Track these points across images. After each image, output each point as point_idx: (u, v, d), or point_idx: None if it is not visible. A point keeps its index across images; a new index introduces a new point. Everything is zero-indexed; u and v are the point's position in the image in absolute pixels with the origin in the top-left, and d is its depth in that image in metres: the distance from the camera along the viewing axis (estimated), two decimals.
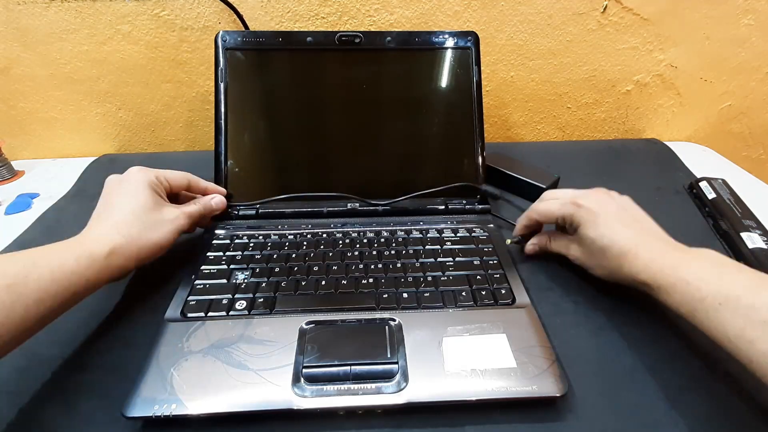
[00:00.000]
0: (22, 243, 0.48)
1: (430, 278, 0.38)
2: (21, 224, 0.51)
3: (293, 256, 0.41)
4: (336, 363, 0.31)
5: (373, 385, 0.30)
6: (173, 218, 0.38)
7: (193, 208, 0.41)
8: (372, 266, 0.40)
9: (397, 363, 0.31)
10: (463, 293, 0.37)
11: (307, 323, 0.34)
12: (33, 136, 0.65)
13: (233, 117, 0.48)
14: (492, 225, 0.46)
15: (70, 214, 0.54)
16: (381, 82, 0.50)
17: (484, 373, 0.31)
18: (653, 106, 0.68)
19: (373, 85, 0.49)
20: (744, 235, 0.46)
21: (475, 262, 0.40)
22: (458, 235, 0.44)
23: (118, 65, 0.60)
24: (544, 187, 0.53)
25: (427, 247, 0.42)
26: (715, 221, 0.50)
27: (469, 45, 0.49)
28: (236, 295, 0.37)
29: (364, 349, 0.32)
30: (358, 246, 0.42)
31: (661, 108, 0.68)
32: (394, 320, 0.35)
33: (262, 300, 0.36)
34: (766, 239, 0.45)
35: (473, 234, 0.44)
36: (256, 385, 0.30)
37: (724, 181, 0.55)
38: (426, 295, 0.37)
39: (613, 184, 0.57)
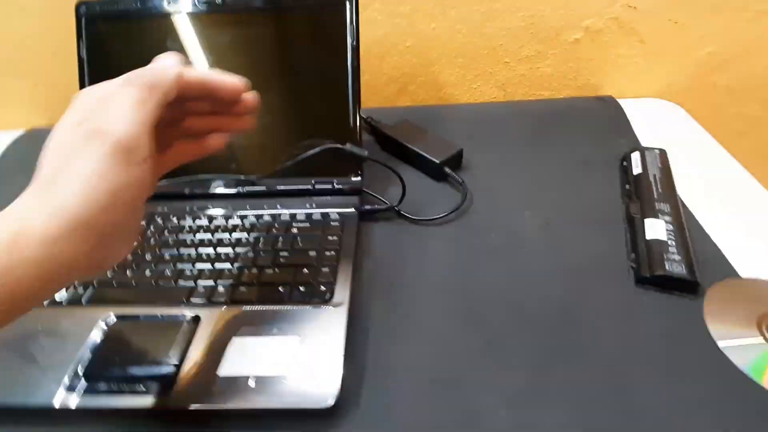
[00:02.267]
0: None
1: (255, 271, 0.36)
2: None
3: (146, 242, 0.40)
4: (116, 361, 0.31)
5: (145, 387, 0.29)
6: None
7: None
8: (204, 256, 0.38)
9: (175, 365, 0.30)
10: (281, 288, 0.35)
11: (115, 316, 0.34)
12: None
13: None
14: (353, 209, 0.42)
15: None
16: (248, 47, 0.45)
17: (257, 379, 0.29)
18: (610, 57, 0.57)
19: (240, 51, 0.45)
20: (648, 222, 0.39)
21: (311, 253, 0.37)
22: (312, 219, 0.41)
23: (30, 39, 0.59)
24: (437, 162, 0.47)
25: (270, 234, 0.39)
26: (628, 203, 0.43)
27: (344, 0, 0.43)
28: (68, 287, 0.37)
29: (149, 349, 0.31)
30: (200, 233, 0.40)
31: (620, 59, 0.58)
32: (197, 317, 0.33)
33: (82, 291, 0.36)
34: (672, 228, 0.38)
35: (328, 219, 0.41)
36: (31, 380, 0.30)
37: (661, 152, 0.47)
38: (242, 289, 0.35)
39: (537, 155, 0.51)
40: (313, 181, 0.44)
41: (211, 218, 0.42)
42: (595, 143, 0.52)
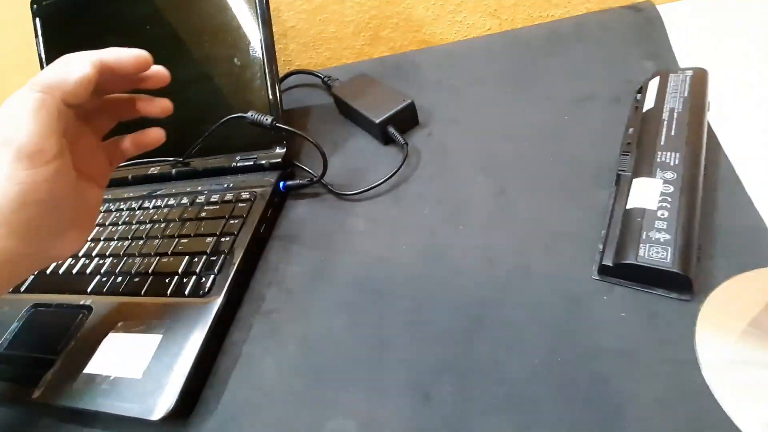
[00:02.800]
0: None
1: (154, 260, 0.34)
2: None
3: None
4: (19, 348, 0.32)
5: (27, 376, 0.30)
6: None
7: None
8: (119, 243, 0.37)
9: (56, 356, 0.30)
10: (167, 280, 0.32)
11: (34, 305, 0.35)
12: None
13: None
14: (265, 187, 0.37)
15: None
16: (163, 18, 0.41)
17: (111, 381, 0.27)
18: None
19: (157, 23, 0.42)
20: (638, 182, 0.26)
21: (208, 240, 0.34)
22: (224, 200, 0.37)
23: None
24: (376, 121, 0.39)
25: (182, 219, 0.37)
26: (624, 154, 0.29)
27: None
28: None
29: (43, 337, 0.32)
30: (126, 220, 0.39)
31: None
32: (90, 309, 0.33)
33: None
34: (672, 191, 0.25)
35: (239, 199, 0.36)
36: None
37: (696, 74, 0.31)
38: (136, 280, 0.33)
39: (522, 98, 0.39)
40: (237, 158, 0.40)
41: (129, 205, 0.41)
42: (608, 71, 0.38)
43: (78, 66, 0.23)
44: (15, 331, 0.34)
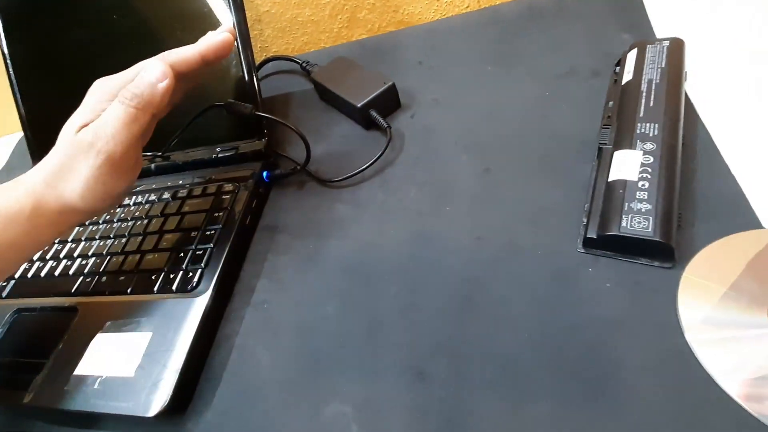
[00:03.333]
0: None
1: (138, 257, 0.34)
2: None
3: None
4: (7, 354, 0.31)
5: (16, 380, 0.29)
6: (83, 146, 0.26)
7: (105, 111, 0.26)
8: (102, 242, 0.36)
9: (45, 360, 0.30)
10: (152, 277, 0.32)
11: (17, 310, 0.35)
12: None
13: (21, 80, 0.46)
14: (248, 177, 0.36)
15: None
16: (130, 7, 0.40)
17: (102, 381, 0.27)
18: None
19: (125, 13, 0.40)
20: (619, 155, 0.26)
21: (192, 234, 0.33)
22: (206, 193, 0.36)
23: None
24: (358, 105, 0.38)
25: (164, 214, 0.36)
26: (605, 127, 0.30)
27: None
28: None
29: (30, 341, 0.31)
30: (108, 218, 0.38)
31: None
32: (75, 310, 0.32)
33: (4, 284, 0.37)
34: (652, 161, 0.25)
35: (222, 191, 0.36)
36: None
37: (673, 44, 0.31)
38: (122, 278, 0.33)
39: (503, 74, 0.39)
40: (218, 149, 0.39)
41: (120, 203, 0.40)
42: (586, 46, 0.38)
43: (163, 81, 0.27)
44: (1, 336, 0.33)
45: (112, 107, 0.26)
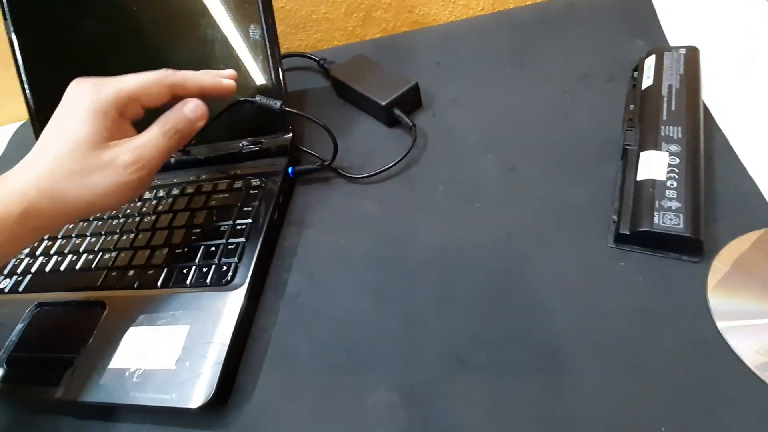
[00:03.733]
0: None
1: (166, 251, 0.34)
2: None
3: (70, 226, 0.39)
4: (30, 349, 0.31)
5: (48, 376, 0.29)
6: (118, 165, 0.26)
7: (147, 138, 0.27)
8: (124, 238, 0.36)
9: (74, 355, 0.29)
10: (184, 271, 0.32)
11: (38, 305, 0.34)
12: None
13: (38, 81, 0.45)
14: (275, 173, 0.36)
15: None
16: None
17: (141, 373, 0.27)
18: None
19: (146, 4, 0.40)
20: (645, 155, 0.28)
21: (222, 228, 0.33)
22: (233, 188, 0.36)
23: None
24: (383, 104, 0.39)
25: (190, 208, 0.36)
26: (629, 129, 0.31)
27: None
28: (12, 275, 0.37)
29: (57, 336, 0.31)
30: (128, 212, 0.38)
31: None
32: (103, 304, 0.32)
33: (20, 279, 0.36)
34: (678, 162, 0.27)
35: (249, 186, 0.36)
36: None
37: (689, 52, 0.33)
38: (150, 272, 0.32)
39: (521, 76, 0.40)
40: (241, 144, 0.39)
41: (140, 197, 0.39)
42: (601, 50, 0.39)
43: (201, 121, 0.29)
44: (21, 332, 0.33)
45: (155, 136, 0.28)
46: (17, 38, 0.44)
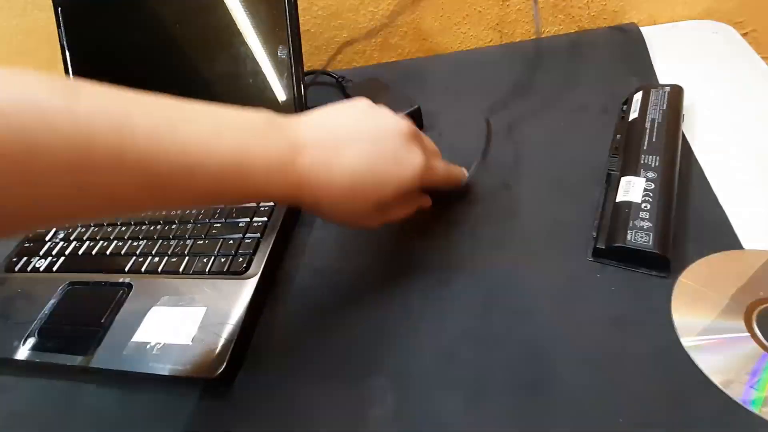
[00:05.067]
0: None
1: (189, 242, 0.37)
2: None
3: None
4: (62, 322, 0.34)
5: (76, 346, 0.32)
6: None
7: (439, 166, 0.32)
8: (152, 228, 0.40)
9: (102, 328, 0.33)
10: (204, 260, 0.35)
11: (70, 283, 0.38)
12: None
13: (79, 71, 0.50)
14: None
15: None
16: (191, 16, 0.44)
17: (161, 347, 0.30)
18: None
19: (186, 22, 0.44)
20: (625, 180, 0.31)
21: (241, 224, 0.37)
22: None
23: (45, 32, 0.65)
24: None
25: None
26: (612, 156, 0.34)
27: None
28: (47, 256, 0.41)
29: (86, 312, 0.34)
30: None
31: None
32: (130, 285, 0.35)
33: (55, 260, 0.40)
34: (653, 187, 0.30)
35: None
36: (2, 336, 0.35)
37: (673, 90, 0.36)
38: (174, 260, 0.36)
39: (521, 104, 0.44)
40: None
41: None
42: (598, 85, 0.43)
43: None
44: (54, 306, 0.36)
45: (441, 165, 0.33)
46: (68, 45, 0.49)
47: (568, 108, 0.42)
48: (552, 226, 0.33)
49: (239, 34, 0.43)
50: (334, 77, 0.52)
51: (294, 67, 0.42)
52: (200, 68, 0.45)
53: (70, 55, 0.49)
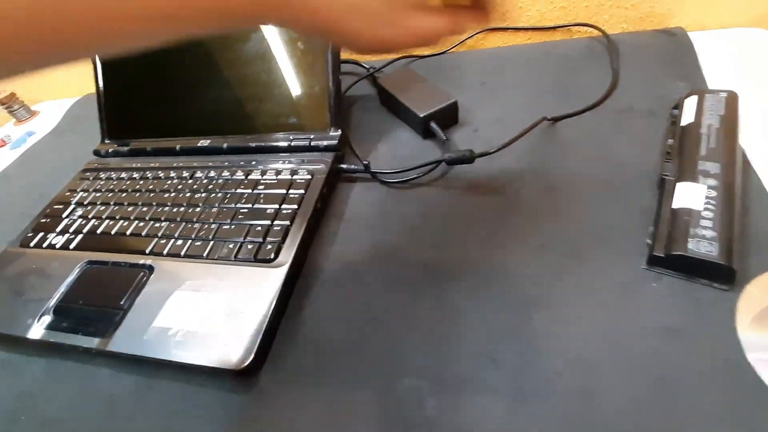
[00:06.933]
0: (3, 174, 0.60)
1: (214, 226, 0.35)
2: (15, 156, 0.63)
3: (123, 195, 0.42)
4: (79, 302, 0.33)
5: (93, 328, 0.31)
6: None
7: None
8: (175, 210, 0.38)
9: (121, 310, 0.31)
10: (230, 245, 0.34)
11: (88, 262, 0.36)
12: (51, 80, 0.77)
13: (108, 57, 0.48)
14: (322, 166, 0.38)
15: (45, 149, 0.64)
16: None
17: (184, 333, 0.29)
18: None
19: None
20: (682, 186, 0.29)
21: (269, 211, 0.35)
22: (279, 177, 0.38)
23: None
24: (420, 115, 0.41)
25: (237, 190, 0.38)
26: (665, 161, 0.33)
27: None
28: (64, 233, 0.40)
29: (105, 292, 0.33)
30: (179, 188, 0.40)
31: None
32: (151, 267, 0.34)
33: (72, 237, 0.39)
34: (715, 195, 0.28)
35: (295, 176, 0.38)
36: (16, 312, 0.33)
37: (730, 96, 0.35)
38: (198, 244, 0.34)
39: (562, 103, 0.42)
40: (291, 137, 0.41)
41: (179, 174, 0.42)
42: (644, 87, 0.41)
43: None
44: (70, 285, 0.35)
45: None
46: None
47: (613, 109, 0.40)
48: (599, 229, 0.31)
49: (278, 60, 0.42)
50: (365, 67, 0.51)
51: (331, 54, 0.40)
52: (236, 48, 0.43)
53: None
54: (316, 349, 0.29)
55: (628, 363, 0.24)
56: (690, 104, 0.35)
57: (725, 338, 0.24)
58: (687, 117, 0.34)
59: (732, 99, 0.34)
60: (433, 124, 0.41)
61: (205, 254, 0.34)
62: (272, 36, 0.42)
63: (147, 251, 0.35)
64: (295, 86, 0.42)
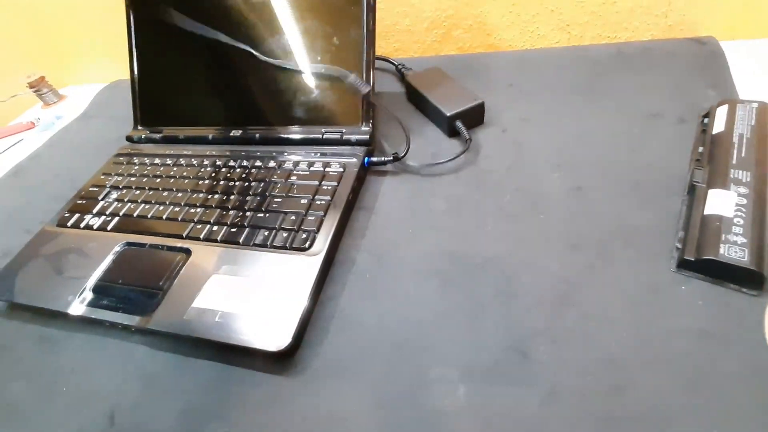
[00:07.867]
0: (35, 155, 0.62)
1: (249, 214, 0.37)
2: (44, 138, 0.65)
3: (158, 180, 0.43)
4: (119, 281, 0.34)
5: (133, 306, 0.32)
6: None
7: None
8: (209, 197, 0.39)
9: (160, 291, 0.32)
10: (265, 233, 0.35)
11: (127, 243, 0.37)
12: (79, 66, 0.78)
13: (144, 46, 0.49)
14: (354, 159, 0.39)
15: (74, 133, 0.66)
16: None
17: (222, 315, 0.30)
18: None
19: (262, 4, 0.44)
20: (713, 193, 0.30)
21: (303, 201, 0.36)
22: (312, 168, 0.39)
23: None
24: (447, 114, 0.42)
25: (271, 180, 0.39)
26: (696, 168, 0.33)
27: None
28: (101, 215, 0.41)
29: (144, 273, 0.34)
30: (213, 175, 0.42)
31: None
32: (188, 251, 0.35)
33: (110, 219, 0.40)
34: (746, 203, 0.28)
35: (328, 168, 0.39)
36: (56, 289, 0.35)
37: (761, 106, 0.35)
38: (233, 230, 0.35)
39: (591, 107, 0.43)
40: (323, 130, 0.42)
41: (212, 162, 0.43)
42: (673, 94, 0.42)
43: None
44: (109, 264, 0.36)
45: None
46: (134, 16, 0.49)
47: (642, 115, 0.41)
48: (627, 231, 0.32)
49: (313, 9, 0.42)
50: (394, 64, 0.52)
51: (366, 47, 0.41)
52: (271, 40, 0.44)
53: (134, 25, 0.49)
54: (349, 336, 0.30)
55: (659, 363, 0.25)
56: (721, 113, 0.36)
57: (754, 342, 0.25)
58: (718, 126, 0.35)
59: (763, 109, 0.35)
60: (459, 123, 0.42)
61: (240, 240, 0.35)
62: (310, 30, 0.43)
63: (184, 235, 0.36)
64: (328, 81, 0.43)
